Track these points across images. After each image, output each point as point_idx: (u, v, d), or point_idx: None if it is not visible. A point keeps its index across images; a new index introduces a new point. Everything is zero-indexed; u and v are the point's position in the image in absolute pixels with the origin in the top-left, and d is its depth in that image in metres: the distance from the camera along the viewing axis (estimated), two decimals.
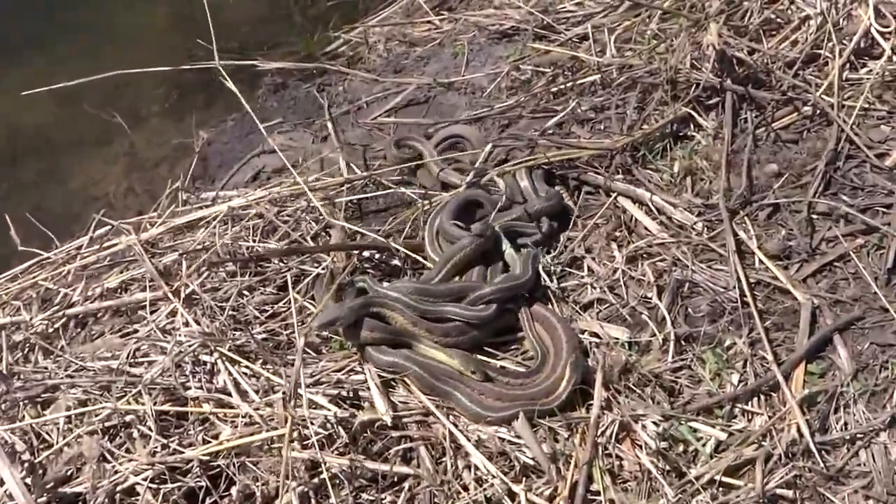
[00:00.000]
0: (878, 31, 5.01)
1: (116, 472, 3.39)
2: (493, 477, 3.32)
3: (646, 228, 4.33)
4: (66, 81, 4.79)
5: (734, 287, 3.94)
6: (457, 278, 4.10)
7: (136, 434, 3.51)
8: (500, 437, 3.44)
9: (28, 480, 3.35)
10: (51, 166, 6.02)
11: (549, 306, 3.96)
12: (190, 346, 3.74)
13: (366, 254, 4.26)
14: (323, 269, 4.11)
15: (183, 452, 3.42)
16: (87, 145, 6.08)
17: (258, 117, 5.21)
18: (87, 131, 6.07)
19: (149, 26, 7.01)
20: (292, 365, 3.70)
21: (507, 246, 4.18)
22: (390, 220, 4.51)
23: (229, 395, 3.59)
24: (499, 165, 4.64)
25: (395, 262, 4.25)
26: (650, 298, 3.98)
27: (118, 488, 3.37)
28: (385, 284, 3.97)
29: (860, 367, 3.67)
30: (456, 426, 3.48)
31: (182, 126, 5.90)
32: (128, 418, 3.55)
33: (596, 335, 3.86)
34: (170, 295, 4.02)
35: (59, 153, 6.11)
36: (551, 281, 4.05)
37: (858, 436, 3.46)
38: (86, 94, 5.54)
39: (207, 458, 3.39)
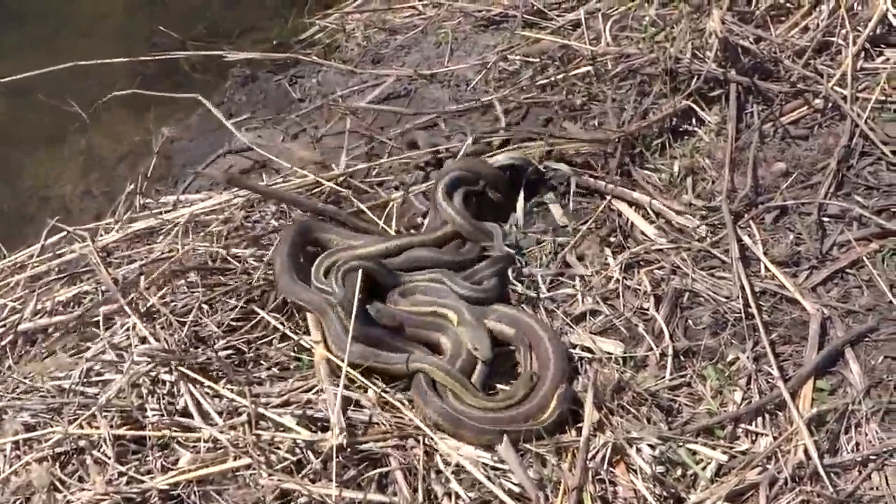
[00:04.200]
0: (895, 16, 5.03)
1: (69, 503, 3.40)
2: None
3: (643, 233, 4.36)
4: (14, 74, 4.79)
5: (738, 297, 3.96)
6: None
7: (90, 461, 3.53)
8: (482, 463, 3.45)
9: None
10: None
11: (536, 315, 3.98)
12: (148, 363, 3.75)
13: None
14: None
15: (143, 482, 3.42)
16: (38, 143, 6.06)
17: (226, 112, 5.23)
18: (38, 127, 6.05)
19: (106, 13, 6.99)
20: (258, 384, 3.74)
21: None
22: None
23: (191, 417, 3.61)
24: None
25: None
26: (647, 310, 4.00)
27: None
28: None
29: (873, 382, 3.70)
30: (435, 449, 3.49)
31: (143, 122, 5.87)
32: (81, 443, 3.56)
33: (588, 350, 3.87)
34: (127, 308, 4.02)
35: (7, 151, 6.10)
36: (537, 290, 4.09)
37: (871, 457, 3.47)
38: (37, 87, 5.52)
39: (168, 487, 3.40)
